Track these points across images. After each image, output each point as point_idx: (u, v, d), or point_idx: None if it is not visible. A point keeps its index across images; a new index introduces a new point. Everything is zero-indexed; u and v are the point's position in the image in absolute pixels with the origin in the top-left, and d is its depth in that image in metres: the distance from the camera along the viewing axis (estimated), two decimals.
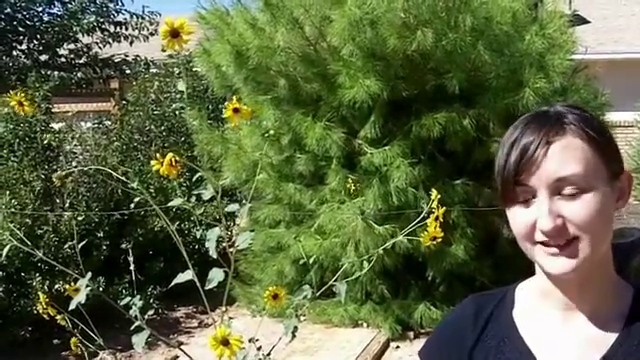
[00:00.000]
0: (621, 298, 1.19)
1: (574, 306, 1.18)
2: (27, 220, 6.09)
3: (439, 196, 1.92)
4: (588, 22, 14.97)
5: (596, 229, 1.10)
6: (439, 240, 1.93)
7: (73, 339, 2.27)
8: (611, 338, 1.15)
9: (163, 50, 1.82)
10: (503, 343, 1.24)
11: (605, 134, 1.15)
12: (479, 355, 1.25)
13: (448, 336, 1.34)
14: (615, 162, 1.15)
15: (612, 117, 8.49)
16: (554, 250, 1.10)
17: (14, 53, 14.21)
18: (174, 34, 1.58)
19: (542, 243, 1.11)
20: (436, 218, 1.89)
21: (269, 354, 2.09)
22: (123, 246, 6.58)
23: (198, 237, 1.96)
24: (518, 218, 1.13)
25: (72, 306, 1.99)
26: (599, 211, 1.09)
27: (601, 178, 1.11)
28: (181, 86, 1.91)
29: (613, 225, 1.17)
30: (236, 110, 1.84)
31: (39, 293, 2.39)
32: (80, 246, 2.48)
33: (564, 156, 1.09)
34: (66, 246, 6.13)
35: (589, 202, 1.09)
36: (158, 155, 1.75)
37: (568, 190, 1.09)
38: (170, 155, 1.73)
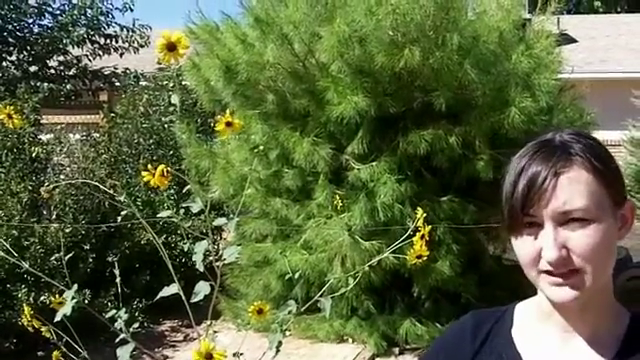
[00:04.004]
0: (618, 322, 1.21)
1: (573, 329, 1.20)
2: (14, 231, 6.08)
3: (425, 214, 1.95)
4: (576, 41, 15.15)
5: (599, 260, 1.13)
6: (425, 258, 1.95)
7: (55, 352, 2.28)
8: None
9: (159, 63, 1.86)
10: (500, 359, 1.26)
11: (610, 164, 1.16)
12: None
13: (446, 349, 1.36)
14: (618, 192, 1.16)
15: (599, 136, 8.54)
16: (558, 280, 1.12)
17: (4, 64, 14.18)
18: (171, 48, 1.61)
19: (546, 272, 1.13)
20: (422, 236, 1.92)
21: None
22: (109, 259, 6.57)
23: (185, 250, 1.97)
24: (524, 247, 1.15)
25: (57, 318, 2.00)
26: (603, 242, 1.12)
27: (605, 209, 1.13)
28: (174, 99, 1.94)
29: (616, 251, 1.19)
30: (228, 124, 1.87)
31: (24, 305, 2.39)
32: (67, 258, 2.48)
33: (571, 189, 1.10)
34: (52, 258, 6.10)
35: (593, 234, 1.11)
36: (149, 166, 1.76)
37: (573, 221, 1.10)
38: (162, 167, 1.75)
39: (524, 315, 1.29)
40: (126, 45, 14.49)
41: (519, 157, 1.17)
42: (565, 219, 1.10)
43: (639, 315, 1.23)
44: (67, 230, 6.37)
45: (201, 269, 1.80)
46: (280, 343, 2.05)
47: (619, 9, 27.22)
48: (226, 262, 1.87)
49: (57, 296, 2.15)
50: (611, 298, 1.22)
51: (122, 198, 1.97)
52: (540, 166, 1.12)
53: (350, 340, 6.55)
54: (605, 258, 1.14)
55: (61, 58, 14.68)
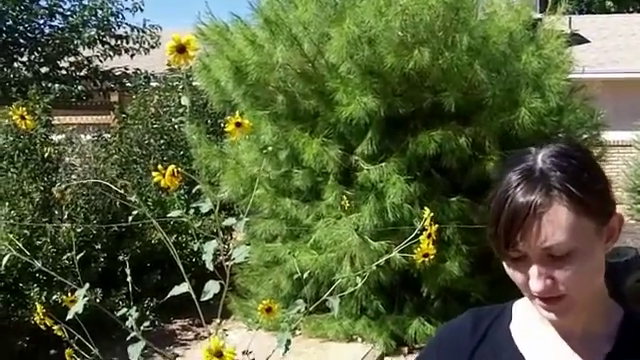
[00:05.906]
0: (611, 320, 1.24)
1: (567, 328, 1.23)
2: (26, 231, 6.12)
3: (432, 214, 1.97)
4: (588, 42, 15.07)
5: (586, 282, 1.16)
6: (432, 257, 1.97)
7: (68, 350, 2.30)
8: (600, 358, 1.20)
9: (168, 65, 1.88)
10: (500, 354, 1.28)
11: (594, 186, 1.16)
12: None
13: (445, 346, 1.38)
14: (603, 213, 1.17)
15: (610, 137, 8.54)
16: (547, 304, 1.17)
17: (15, 65, 14.28)
18: (180, 49, 1.63)
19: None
20: (429, 235, 1.94)
21: None
22: (120, 258, 6.62)
23: (195, 250, 1.99)
24: (514, 274, 1.19)
25: (69, 316, 2.03)
26: (587, 267, 1.15)
27: (589, 234, 1.15)
28: (184, 101, 1.95)
29: (604, 262, 1.20)
30: (238, 124, 1.89)
31: (36, 304, 2.42)
32: (78, 258, 2.50)
33: (552, 227, 1.12)
34: (64, 257, 6.15)
35: (577, 263, 1.13)
36: (160, 167, 1.78)
37: (557, 254, 1.13)
38: (172, 167, 1.77)
39: (522, 312, 1.32)
40: (137, 46, 14.55)
41: (500, 188, 1.17)
42: (548, 252, 1.13)
43: (632, 312, 1.26)
44: (79, 230, 6.41)
45: (211, 268, 1.82)
46: (289, 342, 2.07)
47: (631, 9, 27.09)
48: (236, 262, 1.89)
49: (69, 295, 2.18)
50: (604, 297, 1.25)
51: (133, 198, 1.99)
52: (520, 202, 1.13)
53: (359, 339, 6.56)
54: (592, 277, 1.18)
55: (72, 59, 14.76)
